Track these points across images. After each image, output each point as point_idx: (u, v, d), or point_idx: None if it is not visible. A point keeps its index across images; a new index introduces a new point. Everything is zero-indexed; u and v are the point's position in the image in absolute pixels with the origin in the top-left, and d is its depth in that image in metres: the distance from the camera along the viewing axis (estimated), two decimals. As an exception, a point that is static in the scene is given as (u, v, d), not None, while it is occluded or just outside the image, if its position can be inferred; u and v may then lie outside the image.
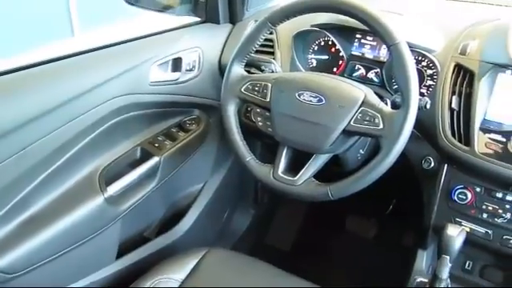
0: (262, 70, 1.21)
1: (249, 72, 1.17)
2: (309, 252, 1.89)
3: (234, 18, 1.43)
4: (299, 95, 1.03)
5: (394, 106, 1.06)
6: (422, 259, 1.27)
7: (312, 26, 1.30)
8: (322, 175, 1.05)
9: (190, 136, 1.38)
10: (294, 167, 1.07)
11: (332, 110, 1.00)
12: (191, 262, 1.14)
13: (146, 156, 1.27)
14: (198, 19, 1.43)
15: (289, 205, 1.98)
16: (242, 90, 1.10)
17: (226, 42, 1.40)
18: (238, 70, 1.11)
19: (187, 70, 1.31)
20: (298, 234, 1.96)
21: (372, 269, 1.70)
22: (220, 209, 1.69)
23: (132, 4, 1.36)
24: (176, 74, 1.30)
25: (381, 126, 0.96)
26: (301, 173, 1.04)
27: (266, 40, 1.27)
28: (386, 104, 1.06)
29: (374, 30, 0.98)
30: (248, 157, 1.10)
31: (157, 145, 1.30)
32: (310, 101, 1.02)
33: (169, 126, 1.37)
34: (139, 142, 1.29)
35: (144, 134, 1.31)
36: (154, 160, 1.27)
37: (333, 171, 1.08)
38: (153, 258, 1.33)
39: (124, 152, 1.25)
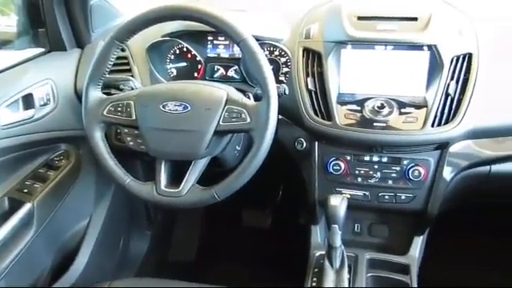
0: (122, 89, 1.18)
1: (109, 94, 1.13)
2: (213, 256, 1.90)
3: (80, 42, 1.38)
4: (164, 106, 1.02)
5: (257, 98, 1.10)
6: (317, 234, 1.35)
7: (163, 36, 1.30)
8: (207, 179, 1.06)
9: (61, 173, 1.30)
10: (177, 178, 1.06)
11: (199, 115, 1.01)
12: None
13: (16, 205, 1.17)
14: (43, 49, 1.35)
15: (184, 215, 1.97)
16: (105, 113, 1.06)
17: (77, 68, 1.34)
18: (95, 93, 1.07)
19: (41, 105, 1.23)
20: (199, 242, 1.96)
21: (275, 256, 1.76)
22: (114, 238, 1.62)
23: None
24: (30, 112, 1.21)
25: (248, 120, 0.99)
26: (183, 182, 1.04)
27: (119, 58, 1.25)
28: (249, 98, 1.10)
29: (220, 29, 1.01)
30: (127, 179, 1.07)
31: (26, 190, 1.21)
32: (176, 110, 1.02)
33: (35, 168, 1.27)
34: (5, 191, 1.18)
35: (9, 182, 1.20)
36: (27, 207, 1.17)
37: (216, 173, 1.09)
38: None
39: None
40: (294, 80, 1.19)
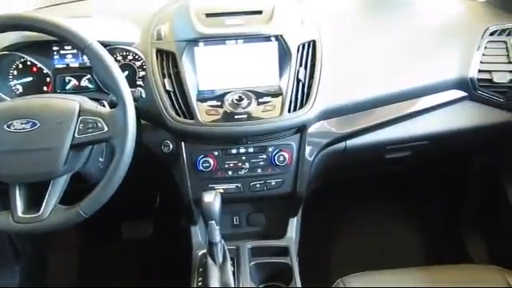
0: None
1: None
2: (96, 276, 1.80)
3: None
4: (8, 126, 0.94)
5: (113, 105, 1.05)
6: (197, 234, 1.35)
7: (0, 50, 1.19)
8: (74, 197, 1.00)
9: None
10: (36, 201, 0.98)
11: (50, 130, 0.95)
12: None
13: None
14: None
15: (58, 239, 1.83)
16: None
17: None
18: None
19: None
20: (79, 264, 1.84)
21: (160, 265, 1.72)
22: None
23: None
24: None
25: (106, 129, 0.95)
26: (43, 205, 0.97)
27: None
28: (104, 106, 1.05)
29: (62, 37, 0.95)
30: None
31: None
32: (23, 128, 0.94)
33: None
34: None
35: None
36: None
37: (82, 189, 1.03)
38: None
39: None
40: (151, 83, 1.17)
